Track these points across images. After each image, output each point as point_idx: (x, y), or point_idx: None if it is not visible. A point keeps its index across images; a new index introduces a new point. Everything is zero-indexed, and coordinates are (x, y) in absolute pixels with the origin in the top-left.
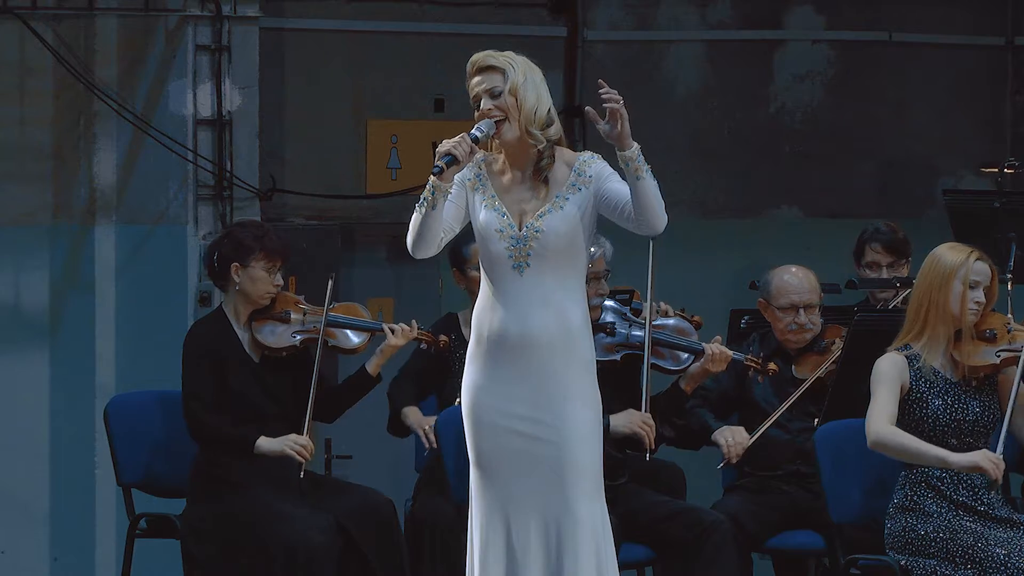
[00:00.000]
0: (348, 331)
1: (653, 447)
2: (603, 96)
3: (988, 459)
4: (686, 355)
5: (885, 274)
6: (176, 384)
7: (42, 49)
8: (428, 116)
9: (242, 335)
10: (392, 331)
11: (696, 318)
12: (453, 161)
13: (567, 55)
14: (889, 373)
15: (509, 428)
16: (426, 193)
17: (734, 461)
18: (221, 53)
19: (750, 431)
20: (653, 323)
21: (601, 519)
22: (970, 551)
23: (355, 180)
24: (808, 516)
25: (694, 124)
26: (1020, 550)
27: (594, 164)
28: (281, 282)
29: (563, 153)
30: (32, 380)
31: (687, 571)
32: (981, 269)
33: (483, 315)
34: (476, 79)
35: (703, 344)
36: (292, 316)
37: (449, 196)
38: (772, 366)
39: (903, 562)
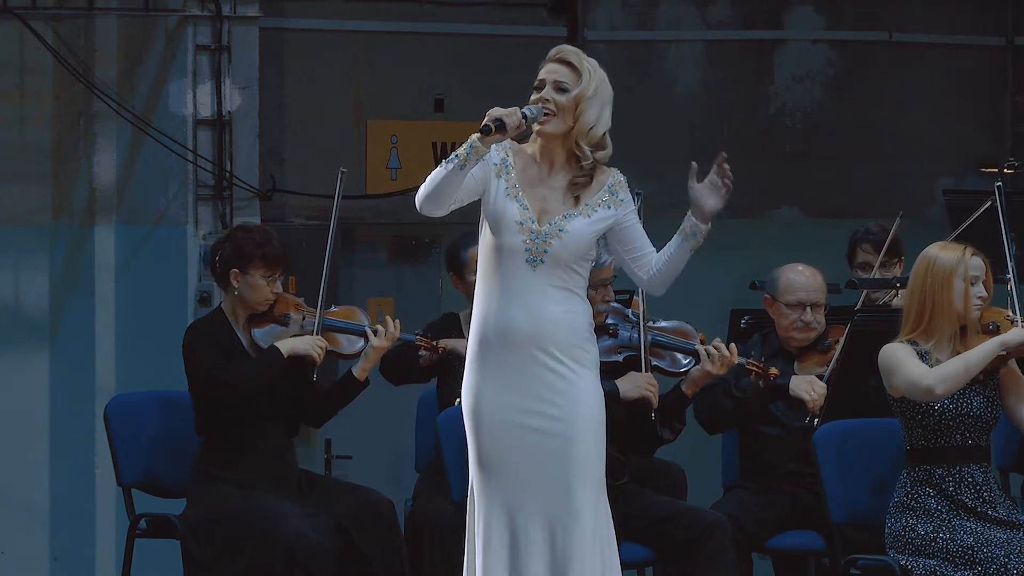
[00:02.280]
0: (352, 336)
1: (656, 404)
2: (727, 170)
3: None
4: (685, 358)
5: (877, 275)
6: (176, 384)
7: (42, 49)
8: (428, 116)
9: (242, 336)
10: (375, 332)
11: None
12: (502, 127)
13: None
14: (906, 350)
15: (514, 423)
16: (461, 151)
17: (818, 413)
18: (221, 53)
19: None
20: (653, 325)
21: (605, 516)
22: (970, 552)
23: (355, 180)
24: (808, 516)
25: (694, 124)
26: (1020, 552)
27: (624, 191)
28: (280, 289)
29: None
30: (32, 380)
31: (687, 571)
32: (977, 264)
33: (488, 308)
34: (552, 66)
35: (699, 346)
36: (291, 318)
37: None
38: (773, 370)
39: (903, 562)
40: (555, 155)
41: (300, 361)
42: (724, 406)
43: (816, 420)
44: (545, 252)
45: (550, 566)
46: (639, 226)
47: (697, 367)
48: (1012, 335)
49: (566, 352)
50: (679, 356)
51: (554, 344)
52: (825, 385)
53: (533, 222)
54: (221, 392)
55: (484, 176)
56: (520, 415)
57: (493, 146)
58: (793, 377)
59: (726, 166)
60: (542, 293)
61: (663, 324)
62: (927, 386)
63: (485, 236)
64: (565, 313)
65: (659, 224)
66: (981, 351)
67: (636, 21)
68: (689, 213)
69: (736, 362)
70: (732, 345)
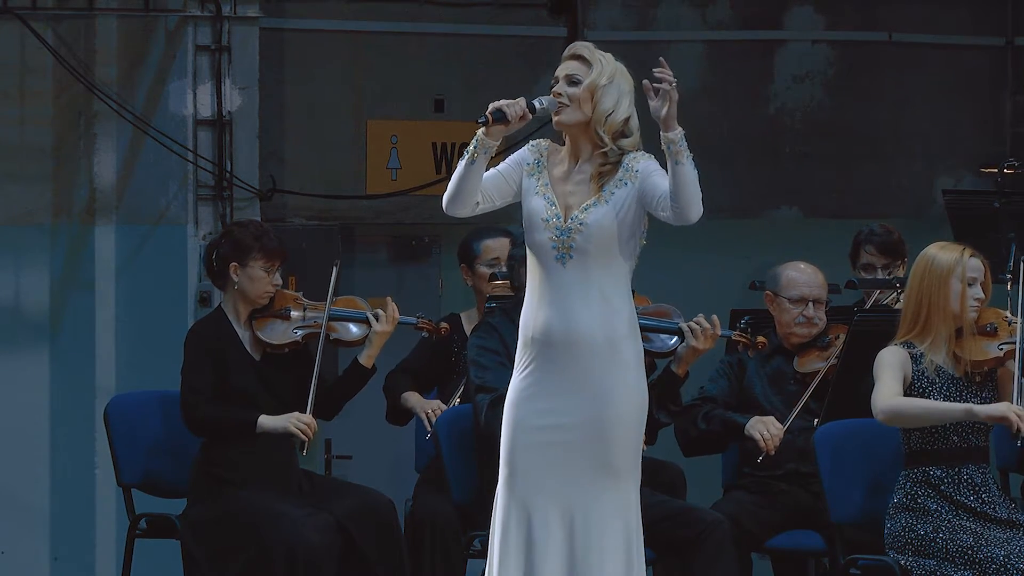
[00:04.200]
0: (348, 323)
1: (648, 441)
2: (656, 74)
3: (1012, 410)
4: (671, 337)
5: (880, 275)
6: (175, 384)
7: (42, 49)
8: (428, 116)
9: (243, 334)
10: (376, 318)
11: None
12: (502, 118)
13: None
14: (892, 361)
15: (547, 425)
16: (470, 145)
17: (773, 452)
18: (221, 53)
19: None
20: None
21: (635, 519)
22: (970, 551)
23: (355, 180)
24: (808, 516)
25: (694, 124)
26: (1020, 551)
27: (642, 160)
28: (280, 281)
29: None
30: (32, 380)
31: (687, 571)
32: (975, 265)
33: (528, 313)
34: (565, 63)
35: (681, 323)
36: (292, 313)
37: (503, 169)
38: (761, 339)
39: (903, 562)
40: (581, 149)
41: (301, 359)
42: (691, 435)
43: (761, 459)
44: (571, 247)
45: (567, 566)
46: (657, 179)
47: (683, 345)
48: (984, 409)
49: (603, 352)
50: (664, 336)
51: (588, 344)
52: (782, 427)
53: (559, 218)
54: (185, 417)
55: (516, 177)
56: (554, 416)
57: (527, 147)
58: (752, 419)
59: (657, 69)
60: (574, 292)
61: (642, 307)
62: (876, 410)
63: (526, 237)
64: (599, 312)
65: (660, 221)
66: (945, 411)
67: (636, 21)
68: None
69: (720, 334)
70: (714, 317)
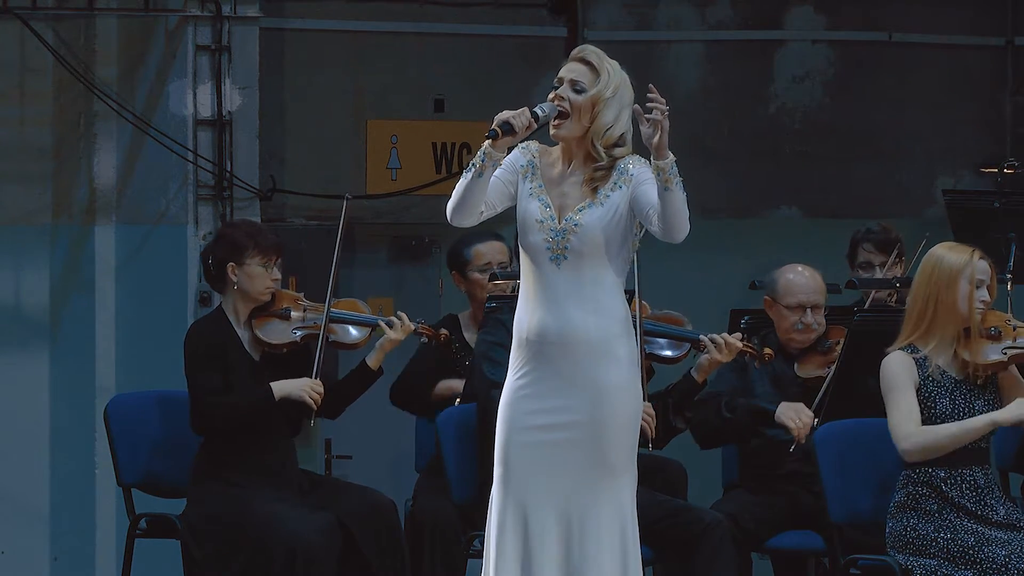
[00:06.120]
0: (348, 326)
1: (654, 434)
2: (649, 102)
3: None
4: (680, 343)
5: (878, 274)
6: (176, 384)
7: (42, 49)
8: (428, 116)
9: (242, 334)
10: (390, 325)
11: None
12: (509, 130)
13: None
14: (902, 375)
15: (541, 425)
16: (476, 159)
17: (804, 441)
18: (221, 53)
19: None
20: (647, 314)
21: (631, 517)
22: (971, 552)
23: (355, 180)
24: (808, 516)
25: (694, 124)
26: (1021, 551)
27: (636, 165)
28: (279, 276)
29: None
30: (32, 380)
31: (686, 571)
32: (984, 268)
33: (522, 315)
34: (571, 65)
35: (702, 335)
36: (292, 313)
37: (500, 174)
38: (768, 351)
39: (903, 562)
40: (575, 154)
41: (300, 360)
42: (713, 425)
43: (794, 448)
44: (566, 248)
45: (565, 560)
46: (648, 188)
47: (706, 356)
48: (1005, 414)
49: (595, 351)
50: (672, 343)
51: (583, 344)
52: (812, 413)
53: (553, 220)
54: (206, 413)
55: (513, 180)
56: (549, 415)
57: (519, 150)
58: (781, 404)
59: (651, 95)
60: (569, 292)
61: (652, 312)
62: (903, 449)
63: (519, 238)
64: (593, 312)
65: None
66: (975, 431)
67: (636, 21)
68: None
69: (740, 347)
70: (737, 335)
